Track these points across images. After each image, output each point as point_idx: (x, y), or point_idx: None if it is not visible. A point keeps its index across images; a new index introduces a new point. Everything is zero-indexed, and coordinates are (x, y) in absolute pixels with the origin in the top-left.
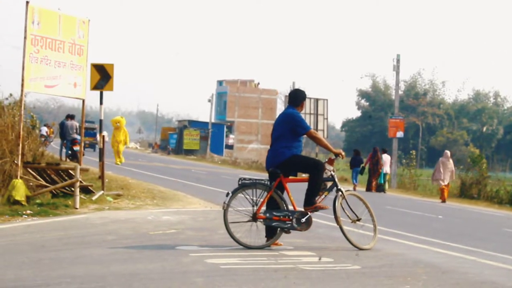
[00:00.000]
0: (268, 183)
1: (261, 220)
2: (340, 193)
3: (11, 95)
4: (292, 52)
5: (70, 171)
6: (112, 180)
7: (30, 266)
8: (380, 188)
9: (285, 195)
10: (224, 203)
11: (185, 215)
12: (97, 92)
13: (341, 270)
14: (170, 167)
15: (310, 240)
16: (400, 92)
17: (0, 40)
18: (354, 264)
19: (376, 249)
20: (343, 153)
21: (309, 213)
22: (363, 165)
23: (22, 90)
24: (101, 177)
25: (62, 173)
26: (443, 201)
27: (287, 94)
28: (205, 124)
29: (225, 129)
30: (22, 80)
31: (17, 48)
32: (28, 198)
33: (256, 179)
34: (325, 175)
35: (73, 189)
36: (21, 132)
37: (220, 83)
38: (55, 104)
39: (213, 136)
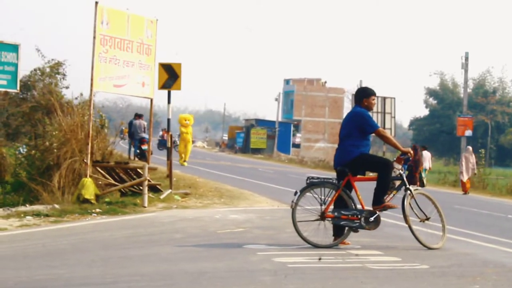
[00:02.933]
0: (336, 182)
1: (330, 219)
2: (408, 192)
3: (81, 94)
4: (359, 50)
5: (139, 170)
6: (180, 179)
7: (99, 264)
8: (421, 183)
9: (353, 194)
10: (293, 202)
11: (252, 214)
12: (165, 91)
13: (409, 270)
14: (237, 166)
15: (377, 239)
16: (469, 90)
17: (71, 40)
18: (423, 263)
19: (444, 248)
20: (411, 152)
21: (377, 212)
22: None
23: (91, 90)
24: (169, 176)
25: (130, 172)
26: (465, 192)
27: (354, 93)
28: (272, 123)
29: (292, 128)
30: (91, 79)
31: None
32: (97, 197)
33: (324, 178)
34: (393, 174)
35: (141, 187)
36: (91, 131)
37: (287, 82)
38: (123, 104)
39: (280, 135)
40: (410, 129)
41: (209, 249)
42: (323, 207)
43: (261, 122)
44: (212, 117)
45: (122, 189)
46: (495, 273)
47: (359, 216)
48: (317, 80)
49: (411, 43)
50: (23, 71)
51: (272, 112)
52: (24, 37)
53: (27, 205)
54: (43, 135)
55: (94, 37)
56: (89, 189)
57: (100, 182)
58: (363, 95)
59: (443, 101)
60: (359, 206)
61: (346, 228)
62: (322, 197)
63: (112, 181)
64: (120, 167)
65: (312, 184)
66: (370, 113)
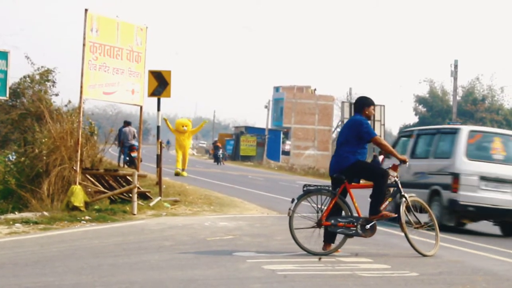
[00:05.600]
0: (332, 189)
1: (326, 226)
2: (404, 199)
3: (70, 102)
4: (349, 58)
5: (128, 177)
6: (170, 186)
7: (89, 272)
8: None
9: (349, 201)
10: (290, 209)
11: (242, 221)
12: (155, 99)
13: (399, 277)
14: (227, 173)
15: (367, 246)
16: (458, 98)
17: (61, 47)
18: (412, 271)
19: (434, 255)
20: (407, 160)
21: (374, 221)
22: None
23: (81, 97)
24: (159, 183)
25: (120, 179)
26: None
27: (353, 101)
28: (261, 130)
29: (281, 135)
30: (81, 87)
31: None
32: (86, 204)
33: (320, 186)
34: (388, 181)
35: (131, 195)
36: (80, 139)
37: (276, 89)
38: (113, 111)
39: (270, 142)
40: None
41: (198, 257)
42: (320, 214)
43: (251, 130)
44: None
45: (111, 197)
46: (484, 281)
47: (355, 224)
48: (307, 87)
49: (401, 51)
50: (13, 78)
51: (262, 119)
52: (14, 44)
53: (16, 213)
54: (33, 142)
55: (84, 45)
56: (79, 197)
57: (89, 190)
58: (364, 104)
59: (433, 109)
60: (355, 213)
61: (343, 235)
62: (319, 205)
63: (102, 189)
64: (110, 174)
65: (308, 192)
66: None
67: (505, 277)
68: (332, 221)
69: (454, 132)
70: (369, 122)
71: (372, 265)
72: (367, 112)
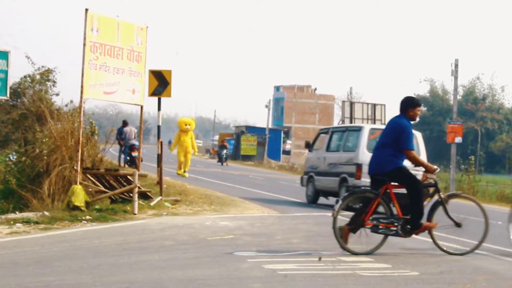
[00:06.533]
0: (375, 190)
1: (368, 227)
2: (441, 199)
3: (71, 101)
4: (349, 57)
5: (129, 177)
6: (170, 186)
7: (89, 272)
8: None
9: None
10: (334, 210)
11: (243, 221)
12: (155, 98)
13: (399, 276)
14: (228, 173)
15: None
16: (459, 97)
17: (61, 47)
18: (413, 270)
19: (435, 255)
20: (437, 169)
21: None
22: None
23: (81, 97)
24: (159, 183)
25: (120, 179)
26: None
27: (353, 101)
28: (262, 129)
29: (282, 135)
30: (82, 86)
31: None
32: (87, 204)
33: (364, 187)
34: (428, 181)
35: (131, 195)
36: (81, 138)
37: (277, 88)
38: (114, 111)
39: (270, 142)
40: None
41: (199, 256)
42: (363, 215)
43: (251, 129)
44: (202, 124)
45: (112, 196)
46: (485, 280)
47: (396, 224)
48: (307, 87)
49: (401, 50)
50: (13, 78)
51: (262, 119)
52: (14, 44)
53: (17, 212)
54: (33, 142)
55: (84, 44)
56: (79, 196)
57: (90, 189)
58: (408, 105)
59: (433, 108)
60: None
61: (384, 235)
62: (361, 205)
63: (102, 188)
64: (110, 174)
65: (352, 193)
66: (360, 120)
67: (505, 276)
68: (374, 222)
69: (358, 130)
70: (411, 126)
71: (373, 265)
72: (411, 114)
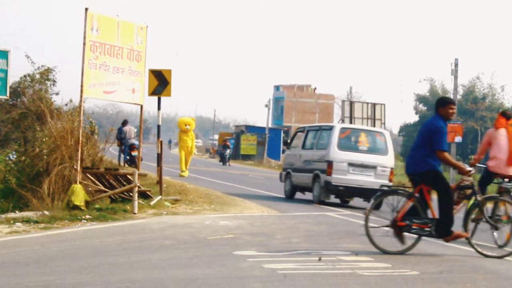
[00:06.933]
0: (409, 190)
1: (401, 226)
2: (477, 201)
3: (71, 101)
4: (349, 57)
5: (129, 176)
6: (170, 185)
7: (89, 271)
8: None
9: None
10: (367, 209)
11: (243, 220)
12: (155, 98)
13: (399, 276)
14: (228, 172)
15: (367, 245)
16: (459, 97)
17: (61, 46)
18: (413, 269)
19: (434, 254)
20: (472, 171)
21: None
22: None
23: (81, 96)
24: (159, 182)
25: (120, 178)
26: None
27: (353, 100)
28: (262, 129)
29: (282, 134)
30: (81, 86)
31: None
32: (87, 203)
33: (397, 186)
34: (465, 183)
35: (131, 194)
36: (80, 138)
37: (277, 88)
38: (114, 110)
39: (270, 141)
40: (400, 135)
41: (199, 256)
42: (395, 214)
43: (251, 129)
44: (202, 123)
45: (112, 196)
46: (485, 280)
47: (429, 225)
48: (307, 86)
49: (401, 49)
50: (13, 77)
51: (262, 118)
52: (14, 44)
53: (17, 212)
54: (33, 142)
55: (84, 44)
56: (79, 196)
57: (90, 189)
58: (439, 104)
59: (433, 107)
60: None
61: (417, 236)
62: (394, 205)
63: (102, 188)
64: (110, 173)
65: (385, 192)
66: (360, 119)
67: (505, 275)
68: (407, 222)
69: (330, 129)
70: (446, 126)
71: (373, 264)
72: (443, 113)
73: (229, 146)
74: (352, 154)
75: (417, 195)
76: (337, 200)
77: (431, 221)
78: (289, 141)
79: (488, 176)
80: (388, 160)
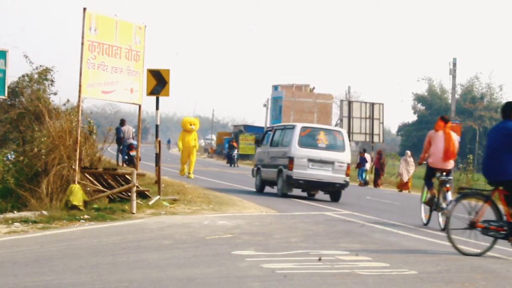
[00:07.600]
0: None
1: (479, 228)
2: None
3: (68, 101)
4: (347, 57)
5: (127, 176)
6: (169, 185)
7: (88, 271)
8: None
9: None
10: (448, 210)
11: (241, 220)
12: (153, 98)
13: (398, 275)
14: (226, 172)
15: (366, 245)
16: (457, 96)
17: (59, 46)
18: (411, 269)
19: (433, 254)
20: None
21: None
22: (372, 164)
23: (79, 96)
24: (158, 182)
25: (119, 178)
26: (400, 190)
27: (351, 100)
28: (260, 128)
29: None
30: (80, 86)
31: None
32: (85, 203)
33: (476, 189)
34: None
35: (129, 194)
36: (79, 138)
37: (275, 87)
38: (112, 110)
39: None
40: (398, 134)
41: (197, 255)
42: (473, 216)
43: (249, 128)
44: (200, 123)
45: (110, 195)
46: (483, 279)
47: (505, 228)
48: (305, 86)
49: (399, 49)
50: (11, 77)
51: (260, 118)
52: (13, 43)
53: (15, 212)
54: (31, 142)
55: (82, 43)
56: (77, 196)
57: (88, 189)
58: (508, 108)
59: (431, 107)
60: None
61: (493, 238)
62: (472, 207)
63: (101, 187)
64: (109, 173)
65: (464, 195)
66: (358, 119)
67: (503, 275)
68: (485, 224)
69: (292, 128)
70: None
71: (371, 264)
72: None
73: (236, 146)
74: (311, 150)
75: (493, 198)
76: (304, 194)
77: (507, 225)
78: (260, 139)
79: (430, 171)
80: (345, 156)
